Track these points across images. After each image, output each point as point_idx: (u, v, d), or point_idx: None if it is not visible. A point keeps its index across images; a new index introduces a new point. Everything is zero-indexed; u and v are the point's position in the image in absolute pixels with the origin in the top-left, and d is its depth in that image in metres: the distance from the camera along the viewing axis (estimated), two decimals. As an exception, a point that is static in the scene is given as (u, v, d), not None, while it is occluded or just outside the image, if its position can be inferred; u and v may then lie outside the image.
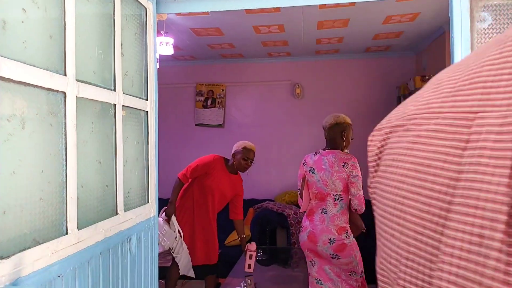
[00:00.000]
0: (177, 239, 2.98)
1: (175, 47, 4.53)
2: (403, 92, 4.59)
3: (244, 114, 5.30)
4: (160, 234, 2.92)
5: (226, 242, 4.31)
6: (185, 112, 5.41)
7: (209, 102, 5.41)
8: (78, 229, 1.05)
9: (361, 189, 2.27)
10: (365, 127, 5.62)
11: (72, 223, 1.02)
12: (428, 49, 4.45)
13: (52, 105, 0.95)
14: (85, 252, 1.08)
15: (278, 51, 4.82)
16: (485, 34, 1.38)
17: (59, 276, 0.97)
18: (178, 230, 2.97)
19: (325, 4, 3.21)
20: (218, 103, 5.38)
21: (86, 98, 1.08)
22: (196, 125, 5.42)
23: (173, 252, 2.99)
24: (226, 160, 3.13)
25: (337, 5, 3.26)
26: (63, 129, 0.99)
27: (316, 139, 5.32)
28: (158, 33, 3.73)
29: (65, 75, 0.98)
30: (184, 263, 3.00)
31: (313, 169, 2.49)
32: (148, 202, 1.51)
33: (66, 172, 1.00)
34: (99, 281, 1.15)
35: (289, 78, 5.14)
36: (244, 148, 3.10)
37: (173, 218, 3.01)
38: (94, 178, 1.14)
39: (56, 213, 0.98)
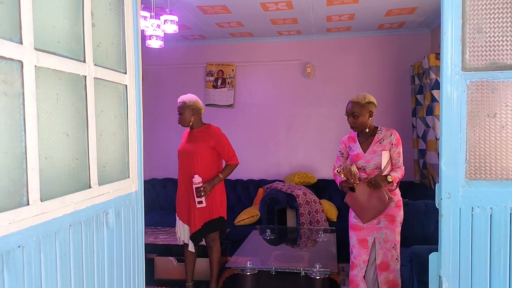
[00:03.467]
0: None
1: (183, 26, 4.49)
2: (417, 71, 4.43)
3: (254, 94, 5.25)
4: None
5: (235, 222, 4.33)
6: (195, 92, 5.35)
7: (219, 82, 5.37)
8: (42, 201, 1.05)
9: None
10: (379, 106, 5.50)
11: (34, 194, 1.02)
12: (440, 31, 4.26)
13: (5, 74, 0.93)
14: (51, 224, 1.08)
15: (288, 29, 4.70)
16: (478, 0, 1.28)
17: (19, 247, 0.97)
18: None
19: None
20: (228, 83, 5.34)
21: (48, 68, 1.06)
22: (206, 105, 5.40)
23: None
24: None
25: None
26: (21, 99, 0.97)
27: (326, 119, 5.23)
28: (163, 10, 3.69)
29: (21, 43, 0.96)
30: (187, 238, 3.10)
31: None
32: (129, 177, 1.50)
33: (25, 143, 0.99)
34: (69, 253, 1.15)
35: (299, 57, 5.03)
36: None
37: None
38: (61, 151, 1.13)
39: (15, 184, 0.97)
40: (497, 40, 1.31)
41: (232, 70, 5.30)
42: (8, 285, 0.93)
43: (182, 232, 3.09)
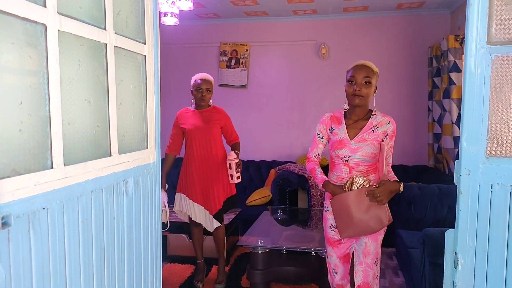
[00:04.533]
0: (163, 212, 3.00)
1: (197, 3, 4.45)
2: (435, 53, 4.35)
3: (267, 75, 5.21)
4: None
5: (247, 202, 4.37)
6: (209, 72, 5.34)
7: (232, 62, 5.34)
8: (65, 165, 1.06)
9: None
10: (394, 89, 5.41)
11: (57, 158, 1.03)
12: (464, 6, 4.15)
13: (30, 36, 0.94)
14: (74, 188, 1.10)
15: (304, 8, 4.63)
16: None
17: (44, 208, 0.99)
18: (164, 205, 3.02)
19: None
20: (242, 63, 5.31)
21: (70, 33, 1.06)
22: (219, 85, 5.39)
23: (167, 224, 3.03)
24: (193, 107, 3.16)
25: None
26: (45, 62, 0.98)
27: (340, 102, 5.18)
28: (178, -13, 3.65)
29: (44, 6, 0.96)
30: (201, 218, 3.05)
31: None
32: (147, 147, 1.52)
33: (49, 107, 1.00)
34: (90, 218, 1.17)
35: (314, 37, 4.97)
36: (195, 80, 3.06)
37: (161, 193, 2.89)
38: (83, 117, 1.14)
39: (39, 146, 0.98)
40: (526, 13, 1.27)
41: (246, 50, 5.26)
42: (34, 244, 0.95)
43: (193, 212, 3.05)
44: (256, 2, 4.42)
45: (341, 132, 2.01)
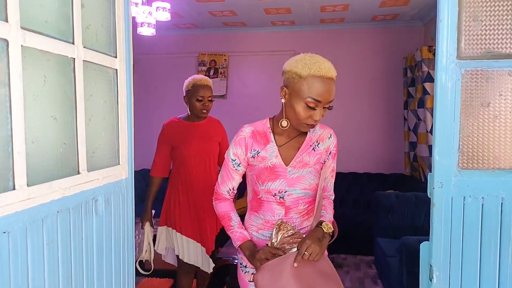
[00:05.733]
0: (147, 252, 2.47)
1: (175, 14, 4.42)
2: (410, 63, 4.44)
3: (246, 85, 5.21)
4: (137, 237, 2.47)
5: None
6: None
7: (211, 72, 5.32)
8: (29, 185, 1.02)
9: None
10: (371, 99, 5.49)
11: (20, 179, 0.99)
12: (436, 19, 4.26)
13: (-10, 52, 0.90)
14: (38, 210, 1.05)
15: (282, 19, 4.67)
16: (475, -13, 1.27)
17: (4, 232, 0.94)
18: (149, 242, 2.47)
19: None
20: (221, 73, 5.30)
21: (35, 48, 1.02)
22: (198, 95, 5.35)
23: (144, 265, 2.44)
24: (186, 118, 2.55)
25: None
26: (7, 79, 0.94)
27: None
28: (154, -3, 3.62)
29: (6, 21, 0.93)
30: (196, 258, 2.47)
31: None
32: (119, 163, 1.48)
33: (11, 125, 0.96)
34: (56, 240, 1.13)
35: (292, 48, 5.01)
36: (195, 85, 2.40)
37: (147, 226, 2.49)
38: (48, 134, 1.10)
39: (0, 167, 0.94)
40: (493, 29, 1.30)
41: (225, 60, 5.26)
42: (-7, 271, 0.90)
43: (185, 250, 2.43)
44: (235, 13, 4.43)
45: (271, 154, 1.44)
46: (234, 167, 1.49)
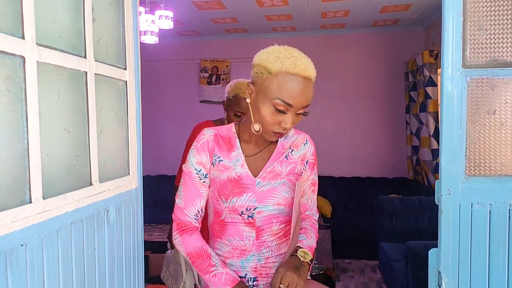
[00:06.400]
0: (183, 278, 1.67)
1: (177, 21, 4.45)
2: (411, 68, 4.46)
3: (248, 91, 5.24)
4: (167, 271, 1.84)
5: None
6: (190, 88, 5.37)
7: (213, 79, 5.35)
8: (44, 198, 1.03)
9: None
10: (373, 103, 5.51)
11: (36, 192, 1.00)
12: (437, 23, 4.29)
13: (8, 69, 0.91)
14: (53, 222, 1.06)
15: (283, 25, 4.70)
16: (480, -3, 1.29)
17: (22, 245, 0.95)
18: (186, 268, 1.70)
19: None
20: (223, 79, 5.32)
21: (50, 63, 1.04)
22: (200, 102, 5.39)
23: None
24: (220, 122, 2.08)
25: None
26: (23, 95, 0.96)
27: (321, 117, 5.23)
28: (157, 6, 3.66)
29: (23, 38, 0.94)
30: None
31: None
32: (129, 174, 1.49)
33: (27, 140, 0.97)
34: (70, 252, 1.14)
35: (294, 53, 5.03)
36: (236, 96, 1.86)
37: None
38: (62, 147, 1.12)
39: (17, 181, 0.95)
40: (498, 38, 1.32)
41: (227, 66, 5.29)
42: (12, 284, 0.92)
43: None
44: (236, 20, 4.46)
45: (237, 164, 1.22)
46: (201, 179, 1.23)
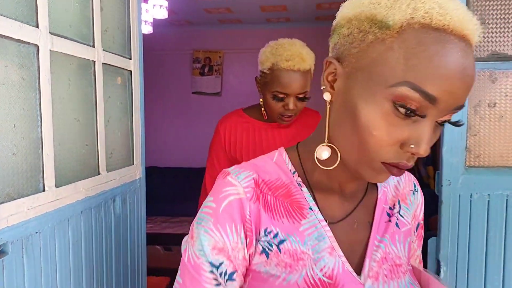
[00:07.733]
0: None
1: (170, 10, 4.41)
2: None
3: (241, 82, 5.23)
4: None
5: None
6: (182, 79, 5.33)
7: (206, 70, 5.33)
8: (56, 187, 1.04)
9: None
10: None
11: (49, 180, 1.01)
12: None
13: (23, 58, 0.91)
14: (65, 210, 1.07)
15: (277, 16, 4.69)
16: (483, -8, 1.31)
17: (36, 233, 0.96)
18: None
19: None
20: (216, 70, 5.30)
21: (61, 52, 1.04)
22: (193, 93, 5.36)
23: None
24: (256, 110, 1.62)
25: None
26: (37, 83, 0.95)
27: (316, 108, 5.25)
28: (152, -5, 3.62)
29: (37, 27, 0.94)
30: None
31: None
32: (133, 164, 1.50)
33: (41, 128, 0.97)
34: (80, 240, 1.15)
35: (288, 45, 5.03)
36: (275, 71, 1.31)
37: None
38: (73, 136, 1.12)
39: (32, 169, 0.96)
40: (499, 32, 1.35)
41: (220, 57, 5.26)
42: (27, 270, 0.92)
43: None
44: (230, 10, 4.44)
45: (319, 246, 0.64)
46: (219, 285, 0.56)
